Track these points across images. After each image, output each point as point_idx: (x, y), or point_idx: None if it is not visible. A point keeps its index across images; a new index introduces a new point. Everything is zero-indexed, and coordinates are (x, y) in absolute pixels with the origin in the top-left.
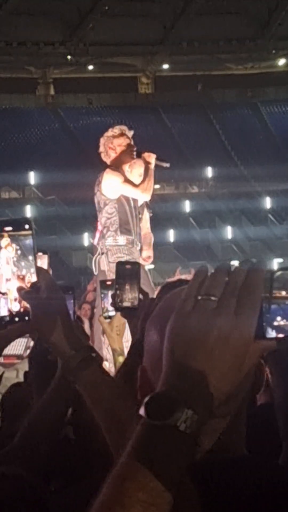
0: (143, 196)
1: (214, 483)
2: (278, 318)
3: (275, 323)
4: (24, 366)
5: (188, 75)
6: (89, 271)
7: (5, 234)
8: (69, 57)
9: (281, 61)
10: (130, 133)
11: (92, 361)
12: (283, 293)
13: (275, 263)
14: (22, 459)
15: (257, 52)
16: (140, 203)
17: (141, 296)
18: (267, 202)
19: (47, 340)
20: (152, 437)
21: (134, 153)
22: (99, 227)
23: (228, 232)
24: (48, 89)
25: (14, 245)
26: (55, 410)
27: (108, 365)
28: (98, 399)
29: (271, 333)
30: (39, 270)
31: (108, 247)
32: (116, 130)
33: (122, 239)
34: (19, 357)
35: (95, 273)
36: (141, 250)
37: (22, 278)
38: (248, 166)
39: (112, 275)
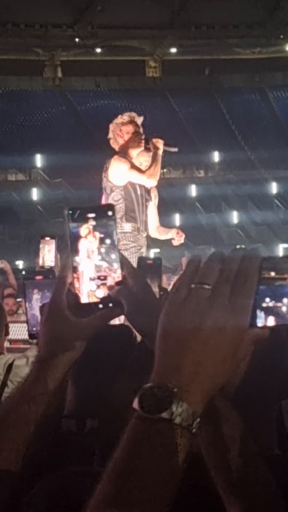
0: (149, 182)
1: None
2: (267, 299)
3: (264, 304)
4: (34, 353)
5: (196, 59)
6: None
7: (89, 221)
8: (77, 39)
9: None
10: (140, 120)
11: None
12: (272, 273)
13: (281, 248)
14: None
15: (265, 37)
16: (147, 188)
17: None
18: (274, 187)
19: (142, 331)
20: (147, 431)
21: (142, 140)
22: None
23: (234, 217)
24: (56, 71)
25: (97, 233)
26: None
27: None
28: None
29: (260, 315)
30: (123, 262)
31: None
32: (125, 117)
33: (127, 226)
34: (26, 341)
35: None
36: (147, 236)
37: (104, 279)
38: (255, 151)
39: None
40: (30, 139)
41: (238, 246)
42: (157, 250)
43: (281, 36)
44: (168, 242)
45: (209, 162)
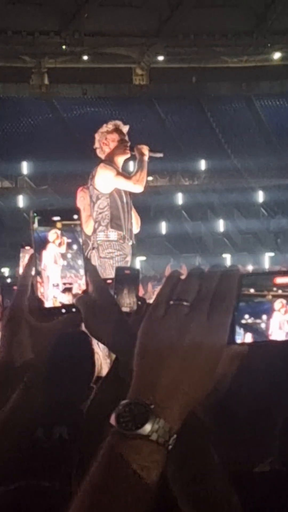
0: (135, 188)
1: (251, 495)
2: (246, 316)
3: (243, 321)
4: None
5: (183, 67)
6: None
7: (56, 225)
8: (64, 47)
9: (276, 55)
10: (125, 128)
11: None
12: (252, 290)
13: (267, 256)
14: None
15: (252, 46)
16: (133, 195)
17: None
18: (260, 196)
19: (101, 340)
20: (123, 447)
21: (128, 147)
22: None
23: (220, 225)
24: (43, 78)
25: (65, 238)
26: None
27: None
28: None
29: (239, 331)
30: (87, 270)
31: (99, 242)
32: (110, 125)
33: (113, 234)
34: None
35: None
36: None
37: (69, 285)
38: (241, 159)
39: (102, 271)
40: (16, 146)
41: (223, 255)
42: (143, 258)
43: (268, 45)
44: (154, 250)
45: (195, 170)
